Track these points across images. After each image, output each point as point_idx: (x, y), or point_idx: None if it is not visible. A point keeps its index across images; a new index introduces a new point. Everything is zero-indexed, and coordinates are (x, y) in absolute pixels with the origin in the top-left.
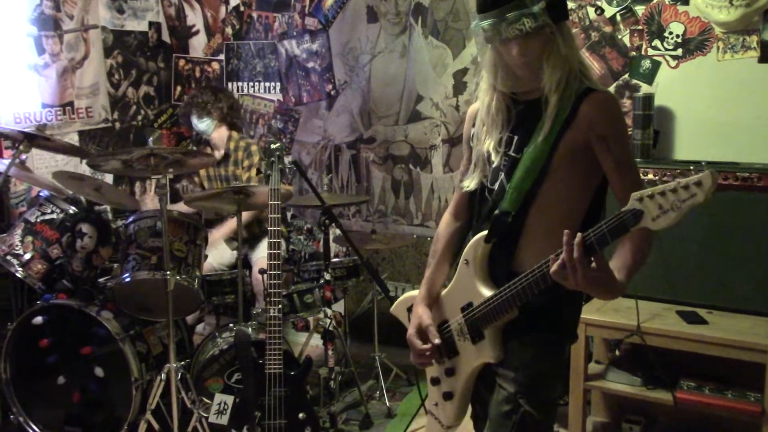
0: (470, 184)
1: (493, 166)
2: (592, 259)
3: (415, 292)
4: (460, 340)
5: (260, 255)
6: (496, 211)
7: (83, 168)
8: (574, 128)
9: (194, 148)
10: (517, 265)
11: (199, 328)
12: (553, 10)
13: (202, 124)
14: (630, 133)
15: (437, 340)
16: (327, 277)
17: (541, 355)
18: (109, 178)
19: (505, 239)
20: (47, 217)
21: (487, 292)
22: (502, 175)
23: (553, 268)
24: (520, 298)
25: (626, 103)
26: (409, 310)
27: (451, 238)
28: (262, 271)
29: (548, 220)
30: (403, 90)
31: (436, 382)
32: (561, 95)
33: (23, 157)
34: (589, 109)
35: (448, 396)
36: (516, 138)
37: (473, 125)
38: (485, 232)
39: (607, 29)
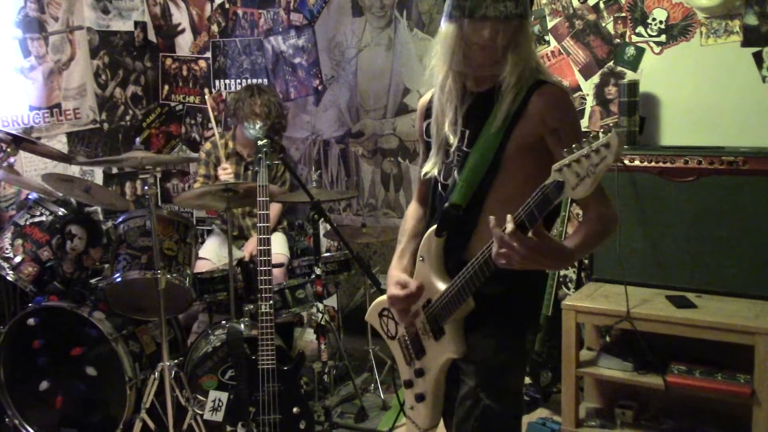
0: (431, 169)
1: (447, 161)
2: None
3: (384, 297)
4: (426, 339)
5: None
6: (446, 204)
7: (72, 170)
8: (525, 121)
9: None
10: (470, 256)
11: (194, 326)
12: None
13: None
14: (616, 120)
15: (414, 284)
16: (318, 271)
17: (501, 346)
18: (99, 179)
19: (459, 232)
20: (37, 219)
21: (442, 287)
22: (455, 171)
23: (494, 251)
24: (470, 286)
25: (612, 90)
26: (381, 315)
27: (420, 219)
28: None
29: (504, 214)
30: (390, 83)
31: (409, 385)
32: (517, 92)
33: (11, 160)
34: (540, 102)
35: (420, 398)
36: (468, 132)
37: (425, 118)
38: (435, 226)
39: (591, 17)
